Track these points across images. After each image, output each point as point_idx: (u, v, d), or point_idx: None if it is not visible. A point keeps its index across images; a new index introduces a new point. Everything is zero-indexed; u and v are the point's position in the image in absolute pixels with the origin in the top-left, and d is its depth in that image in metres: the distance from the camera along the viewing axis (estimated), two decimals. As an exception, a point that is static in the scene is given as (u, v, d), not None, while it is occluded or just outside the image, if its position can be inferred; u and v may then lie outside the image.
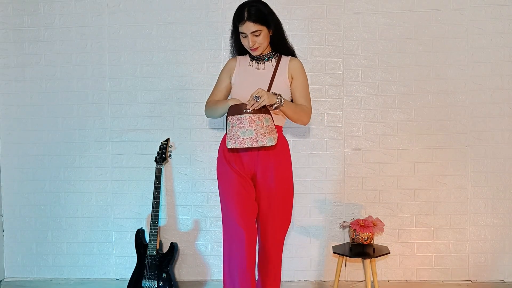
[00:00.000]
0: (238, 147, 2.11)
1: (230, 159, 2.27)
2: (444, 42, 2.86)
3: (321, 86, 2.91)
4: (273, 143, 2.11)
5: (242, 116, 2.11)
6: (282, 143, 2.32)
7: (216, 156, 2.39)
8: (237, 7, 2.24)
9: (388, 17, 2.88)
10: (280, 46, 2.35)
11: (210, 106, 2.34)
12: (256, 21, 2.17)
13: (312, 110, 2.85)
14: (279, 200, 2.31)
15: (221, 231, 2.94)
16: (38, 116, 3.05)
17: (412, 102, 2.88)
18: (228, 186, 2.25)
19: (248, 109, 2.12)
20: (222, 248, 2.96)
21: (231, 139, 2.12)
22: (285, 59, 2.34)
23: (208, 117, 2.41)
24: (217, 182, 2.36)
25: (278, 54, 2.35)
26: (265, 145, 2.11)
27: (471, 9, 2.85)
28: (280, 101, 2.15)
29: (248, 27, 2.18)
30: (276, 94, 2.17)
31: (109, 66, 3.01)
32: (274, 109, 2.18)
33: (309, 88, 2.79)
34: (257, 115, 2.11)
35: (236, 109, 2.13)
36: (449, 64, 2.87)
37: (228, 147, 2.13)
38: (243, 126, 2.10)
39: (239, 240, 2.19)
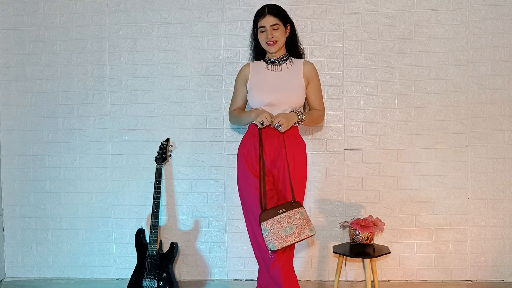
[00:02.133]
0: (284, 245, 2.18)
1: (249, 160, 2.40)
2: (444, 42, 2.86)
3: (321, 86, 2.91)
4: (314, 233, 2.23)
5: (279, 217, 2.21)
6: (299, 142, 2.46)
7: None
8: (258, 9, 2.44)
9: (388, 17, 2.88)
10: (293, 48, 2.52)
11: (234, 116, 2.52)
12: (275, 15, 2.38)
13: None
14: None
15: (221, 231, 2.96)
16: (38, 116, 3.05)
17: (412, 102, 2.88)
18: (250, 190, 2.37)
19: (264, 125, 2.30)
20: (222, 248, 2.98)
21: (275, 240, 2.18)
22: (298, 62, 2.50)
23: (233, 124, 2.65)
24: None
25: (290, 57, 2.51)
26: (307, 237, 2.21)
27: (471, 8, 2.85)
28: (301, 119, 2.36)
29: (268, 20, 2.37)
30: (296, 113, 2.35)
31: (109, 66, 3.01)
32: (295, 125, 2.39)
33: None
34: (292, 211, 2.23)
35: (270, 213, 2.23)
36: (449, 64, 2.87)
37: (274, 248, 2.18)
38: (282, 225, 2.19)
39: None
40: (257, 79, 2.46)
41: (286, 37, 2.46)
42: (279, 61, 2.47)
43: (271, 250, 2.21)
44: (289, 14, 2.86)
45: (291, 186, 2.30)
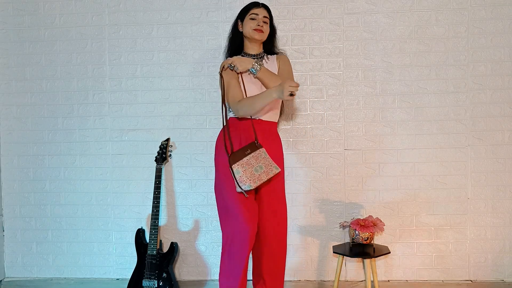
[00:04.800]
0: (258, 184, 2.25)
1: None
2: (444, 42, 2.86)
3: (321, 86, 2.91)
4: (279, 170, 2.31)
5: (247, 158, 2.28)
6: (276, 139, 2.50)
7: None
8: (248, 3, 2.52)
9: (388, 16, 2.88)
10: (271, 46, 2.60)
11: (247, 104, 2.33)
12: (267, 11, 2.51)
13: (312, 109, 2.89)
14: (275, 198, 2.45)
15: (221, 231, 2.96)
16: (38, 116, 3.05)
17: (412, 102, 2.89)
18: (230, 190, 2.34)
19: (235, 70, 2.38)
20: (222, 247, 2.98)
21: (249, 180, 2.24)
22: (273, 57, 2.57)
23: (241, 116, 2.38)
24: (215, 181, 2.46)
25: (265, 54, 2.57)
26: (275, 174, 2.29)
27: (471, 8, 2.85)
28: (256, 67, 2.37)
29: (262, 12, 2.48)
30: (254, 60, 2.39)
31: (109, 66, 3.01)
32: (253, 74, 2.40)
33: (309, 87, 2.92)
34: (257, 152, 2.30)
35: (238, 155, 2.28)
36: (449, 64, 2.87)
37: (249, 188, 2.23)
38: (253, 165, 2.26)
39: (243, 237, 2.29)
40: (244, 74, 2.44)
41: (268, 35, 2.52)
42: (258, 57, 2.51)
43: (246, 191, 2.25)
44: (289, 14, 2.90)
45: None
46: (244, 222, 2.27)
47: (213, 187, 2.96)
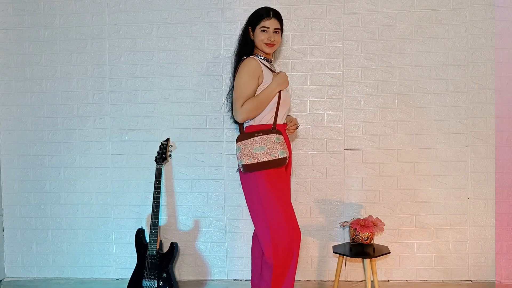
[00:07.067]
0: (252, 162, 2.26)
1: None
2: (444, 42, 2.86)
3: (321, 86, 2.91)
4: (285, 155, 2.28)
5: (253, 138, 2.31)
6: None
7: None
8: (258, 9, 2.44)
9: (388, 16, 2.88)
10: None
11: (257, 102, 2.32)
12: (279, 20, 2.44)
13: (312, 109, 2.90)
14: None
15: (221, 231, 2.96)
16: (38, 116, 3.05)
17: (412, 102, 2.89)
18: (282, 193, 2.34)
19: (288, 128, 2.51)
20: (222, 248, 2.97)
21: (244, 156, 2.28)
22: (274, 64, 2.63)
23: (249, 118, 2.34)
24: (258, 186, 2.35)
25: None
26: (277, 158, 2.26)
27: (471, 9, 2.85)
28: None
29: (273, 23, 2.40)
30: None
31: (109, 66, 3.01)
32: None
33: (309, 87, 2.94)
34: (268, 135, 2.31)
35: (247, 135, 2.32)
36: (449, 64, 2.87)
37: (241, 163, 2.28)
38: (255, 145, 2.29)
39: (297, 241, 2.34)
40: (268, 76, 2.39)
41: None
42: (271, 61, 2.53)
43: (239, 166, 2.31)
44: (289, 14, 2.90)
45: None
46: (297, 229, 2.33)
47: (215, 187, 2.96)
